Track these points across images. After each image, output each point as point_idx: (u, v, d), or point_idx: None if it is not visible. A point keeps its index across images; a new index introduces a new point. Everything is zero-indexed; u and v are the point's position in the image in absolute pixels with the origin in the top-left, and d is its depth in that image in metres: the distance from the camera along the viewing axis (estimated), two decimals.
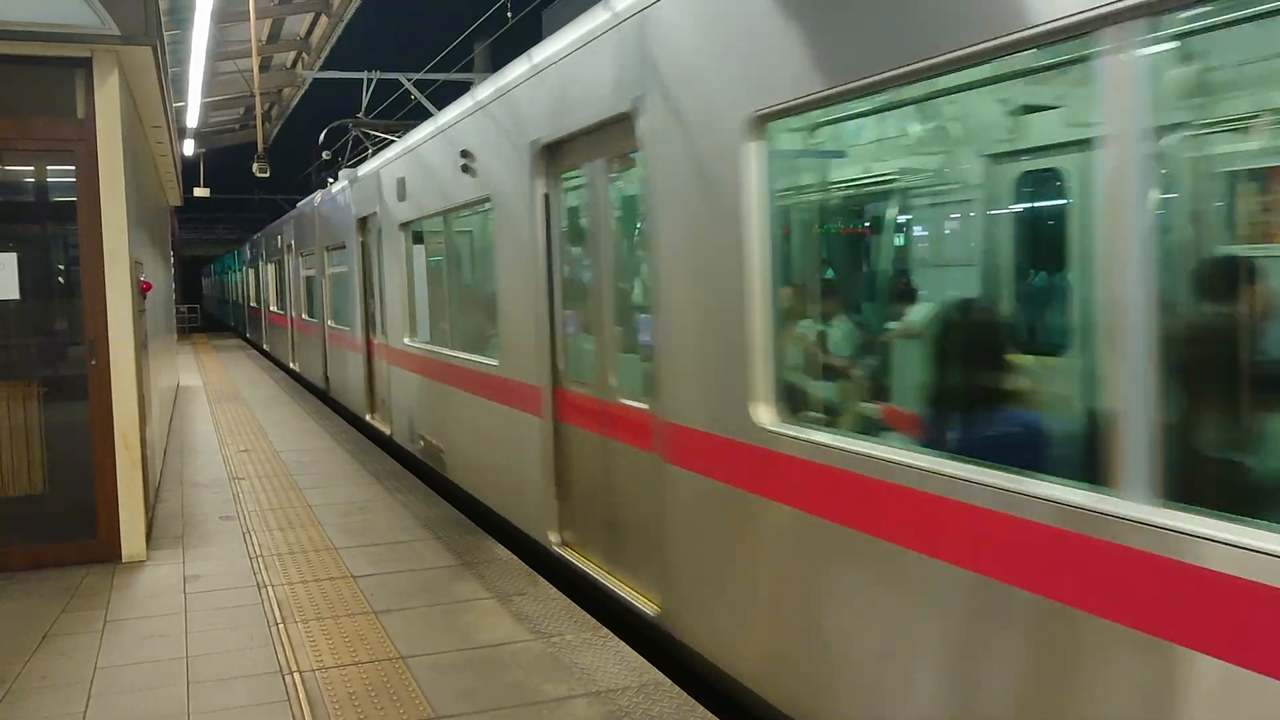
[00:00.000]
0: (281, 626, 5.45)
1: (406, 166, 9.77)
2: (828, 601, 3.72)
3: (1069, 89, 3.48)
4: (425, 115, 12.68)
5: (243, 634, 5.37)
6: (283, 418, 13.93)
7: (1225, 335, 2.81)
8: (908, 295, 4.51)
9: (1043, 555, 2.75)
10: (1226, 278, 2.96)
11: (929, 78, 3.14)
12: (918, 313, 4.21)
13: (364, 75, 17.08)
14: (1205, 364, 2.72)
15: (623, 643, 5.09)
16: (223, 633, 5.40)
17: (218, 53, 17.61)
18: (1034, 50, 2.79)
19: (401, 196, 10.00)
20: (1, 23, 6.16)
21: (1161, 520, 2.44)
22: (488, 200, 7.29)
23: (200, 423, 13.63)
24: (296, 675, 4.78)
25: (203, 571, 6.55)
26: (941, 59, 2.99)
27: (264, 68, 20.65)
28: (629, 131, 4.98)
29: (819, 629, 3.78)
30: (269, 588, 6.14)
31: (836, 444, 3.65)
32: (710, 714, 4.29)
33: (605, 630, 5.26)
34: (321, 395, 16.19)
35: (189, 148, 22.37)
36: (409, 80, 17.15)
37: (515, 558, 6.64)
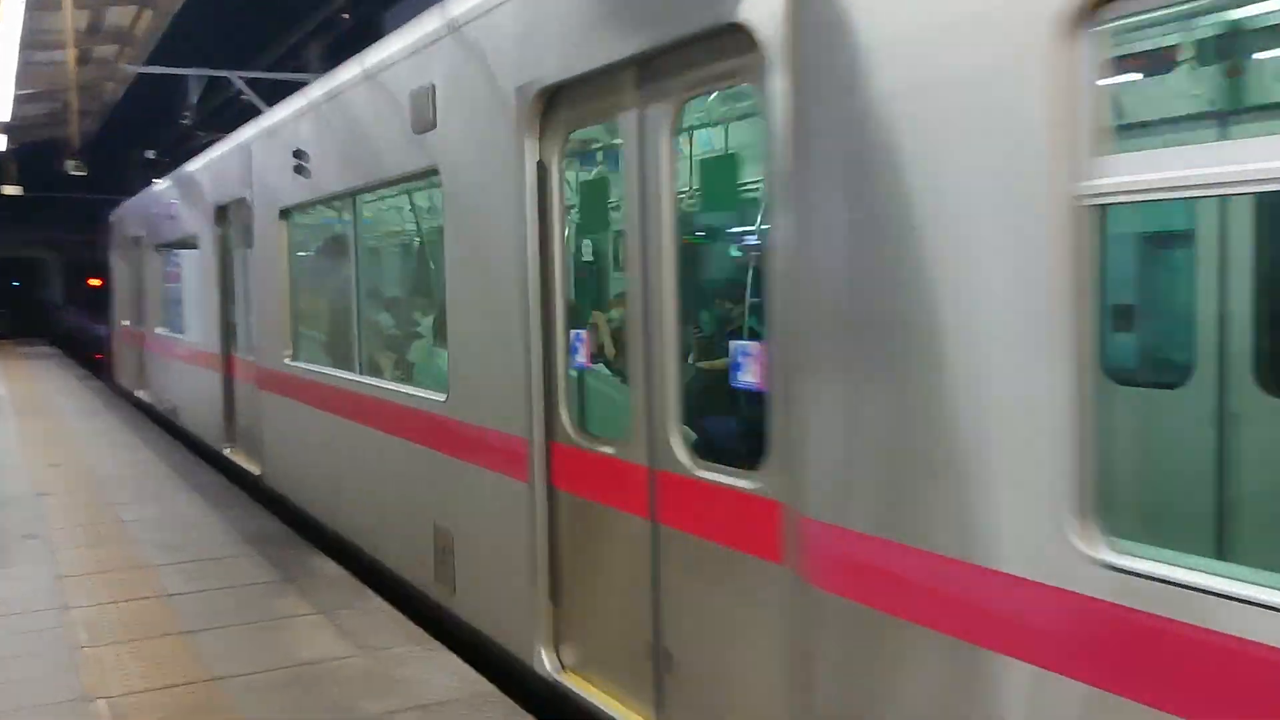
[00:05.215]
0: (88, 650, 5.16)
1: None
2: (317, 454, 7.04)
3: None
4: (257, 115, 12.28)
5: (45, 660, 5.05)
6: (99, 429, 13.18)
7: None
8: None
9: (465, 443, 5.12)
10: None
11: (374, 189, 6.28)
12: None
13: (191, 72, 16.41)
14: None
15: (452, 654, 5.04)
16: (22, 659, 5.07)
17: (31, 41, 16.57)
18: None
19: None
20: None
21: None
22: None
23: (1, 437, 12.74)
24: (103, 702, 4.53)
25: (1, 594, 6.13)
26: (373, 182, 6.16)
27: (82, 60, 19.55)
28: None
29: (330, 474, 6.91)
30: (75, 609, 5.80)
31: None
32: None
33: (435, 643, 5.19)
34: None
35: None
36: (241, 78, 16.55)
37: (342, 571, 6.48)
